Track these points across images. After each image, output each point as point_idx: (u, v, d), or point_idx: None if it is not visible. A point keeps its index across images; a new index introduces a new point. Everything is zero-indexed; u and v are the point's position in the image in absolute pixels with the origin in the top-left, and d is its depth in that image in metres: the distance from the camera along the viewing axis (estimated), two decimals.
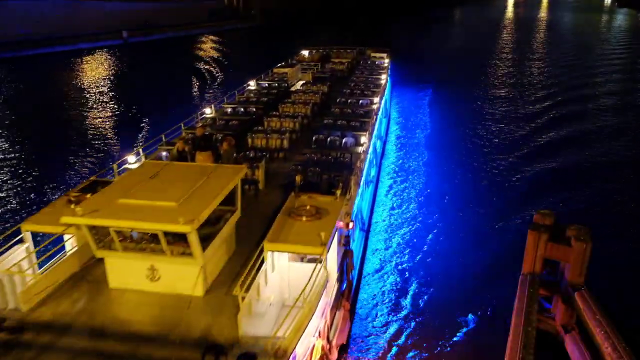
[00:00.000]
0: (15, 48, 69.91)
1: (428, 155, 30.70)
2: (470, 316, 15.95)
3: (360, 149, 18.68)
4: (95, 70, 62.16)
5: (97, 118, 40.18)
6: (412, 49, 73.63)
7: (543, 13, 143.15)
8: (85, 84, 53.61)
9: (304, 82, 32.41)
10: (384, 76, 32.89)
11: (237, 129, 21.34)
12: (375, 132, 22.30)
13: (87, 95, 48.34)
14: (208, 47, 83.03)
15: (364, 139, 19.36)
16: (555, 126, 35.66)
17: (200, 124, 22.29)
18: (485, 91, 47.33)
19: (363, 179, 17.13)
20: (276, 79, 32.52)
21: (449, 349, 14.66)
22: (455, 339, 15.05)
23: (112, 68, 64.22)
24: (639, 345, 11.61)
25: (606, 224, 21.42)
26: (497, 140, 33.12)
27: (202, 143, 16.13)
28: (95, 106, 44.00)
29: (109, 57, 72.56)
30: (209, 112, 24.43)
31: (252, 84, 30.89)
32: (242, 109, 24.83)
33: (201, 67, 63.69)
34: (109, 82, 54.54)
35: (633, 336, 11.97)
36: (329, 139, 19.83)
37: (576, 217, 21.26)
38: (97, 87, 52.06)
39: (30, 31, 74.20)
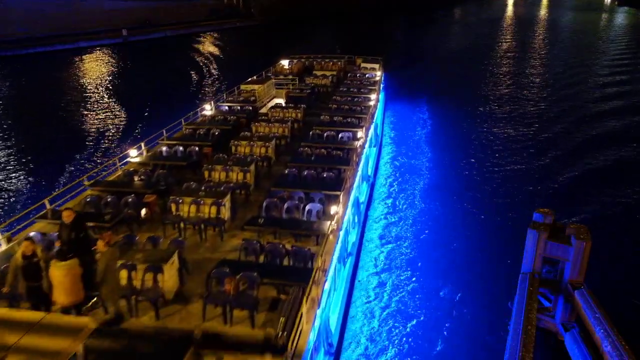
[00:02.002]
0: (15, 46, 69.97)
1: (427, 186, 25.99)
2: (470, 315, 15.96)
3: (328, 226, 12.56)
4: (94, 69, 62.09)
5: (93, 117, 40.05)
6: (411, 51, 73.48)
7: (543, 12, 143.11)
8: (83, 83, 53.53)
9: (275, 104, 26.40)
10: (373, 96, 27.07)
11: (163, 184, 15.51)
12: (358, 177, 17.36)
13: (85, 94, 48.24)
14: (207, 45, 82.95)
15: (335, 209, 13.48)
16: (555, 126, 35.66)
17: (118, 174, 16.51)
18: (486, 92, 47.21)
19: (332, 270, 11.94)
20: (241, 100, 26.87)
21: (449, 348, 14.67)
22: (455, 338, 15.06)
23: (111, 67, 64.14)
24: (639, 343, 11.63)
25: (606, 222, 21.43)
26: (497, 140, 33.07)
27: (68, 238, 9.67)
28: (92, 105, 43.90)
29: (108, 55, 72.48)
30: (134, 154, 18.14)
31: (208, 108, 25.04)
32: (180, 149, 18.78)
33: (200, 65, 63.61)
34: (107, 81, 54.46)
35: (633, 335, 11.99)
36: (286, 205, 13.97)
37: (575, 216, 21.40)
38: (95, 86, 51.99)
39: (30, 29, 74.26)
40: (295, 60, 37.23)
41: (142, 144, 18.92)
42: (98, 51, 75.04)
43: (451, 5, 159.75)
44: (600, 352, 11.79)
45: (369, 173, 22.41)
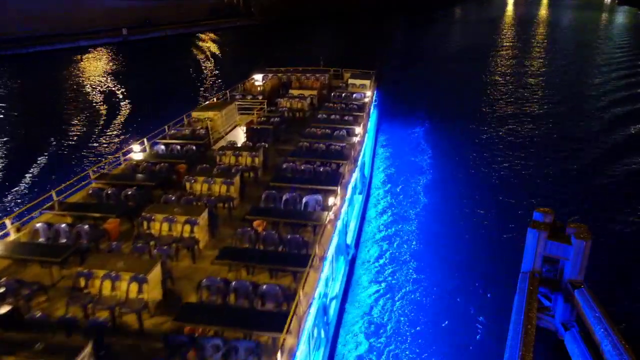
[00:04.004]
0: (15, 45, 70.00)
1: (426, 185, 25.07)
2: (470, 314, 15.96)
3: None
4: (94, 68, 62.05)
5: (92, 116, 40.09)
6: (411, 51, 73.22)
7: (543, 11, 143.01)
8: (82, 83, 53.50)
9: (227, 143, 20.17)
10: (359, 129, 21.18)
11: (13, 303, 10.02)
12: (322, 282, 11.56)
13: (84, 94, 48.28)
14: (207, 45, 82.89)
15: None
16: (556, 126, 35.67)
17: None
18: (487, 93, 47.17)
19: None
20: (186, 135, 20.67)
21: (448, 347, 14.68)
22: (455, 337, 15.06)
23: (110, 66, 64.08)
24: (639, 342, 11.62)
25: (606, 222, 21.43)
26: (498, 140, 33.06)
27: None
28: (91, 104, 43.93)
29: (108, 54, 72.48)
30: None
31: (137, 150, 18.71)
32: (64, 228, 12.66)
33: (200, 65, 63.57)
34: (105, 81, 54.41)
35: (633, 334, 11.98)
36: None
37: (575, 215, 21.37)
38: (95, 85, 51.97)
39: (30, 28, 74.28)
40: (270, 75, 31.13)
41: (7, 221, 12.74)
42: (98, 50, 75.08)
43: (451, 4, 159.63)
44: (600, 352, 11.78)
45: (349, 242, 16.38)
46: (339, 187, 15.05)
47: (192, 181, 15.58)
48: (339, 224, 14.05)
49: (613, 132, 33.63)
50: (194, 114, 22.66)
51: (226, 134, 22.39)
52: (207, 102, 24.88)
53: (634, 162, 28.41)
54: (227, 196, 15.16)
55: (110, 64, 65.48)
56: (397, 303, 16.57)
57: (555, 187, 25.24)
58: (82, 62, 66.41)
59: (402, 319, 15.85)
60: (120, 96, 46.29)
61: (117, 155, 18.29)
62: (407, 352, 14.44)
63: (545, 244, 13.84)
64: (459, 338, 14.97)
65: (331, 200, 14.36)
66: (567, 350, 13.66)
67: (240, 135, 22.62)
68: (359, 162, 18.92)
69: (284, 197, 14.74)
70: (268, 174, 17.42)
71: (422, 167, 28.20)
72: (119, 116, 39.56)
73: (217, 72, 59.22)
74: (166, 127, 21.52)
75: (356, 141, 19.86)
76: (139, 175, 16.69)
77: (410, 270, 18.35)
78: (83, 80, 54.31)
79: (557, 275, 14.58)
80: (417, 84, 49.54)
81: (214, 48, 79.36)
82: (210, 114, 22.09)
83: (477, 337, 14.97)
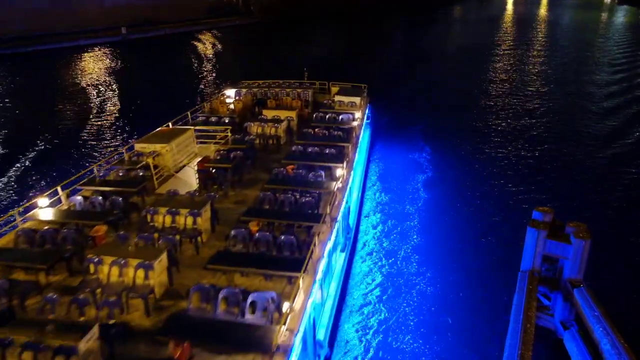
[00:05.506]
0: (14, 44, 69.97)
1: (424, 182, 25.37)
2: (469, 313, 15.94)
3: None
4: (93, 68, 61.99)
5: (90, 116, 40.00)
6: (411, 54, 73.07)
7: (543, 10, 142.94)
8: (81, 82, 53.45)
9: (167, 192, 14.88)
10: (340, 170, 16.82)
11: None
12: None
13: (83, 93, 48.22)
14: (207, 43, 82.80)
15: None
16: (556, 125, 35.65)
17: None
18: (487, 91, 47.16)
19: None
20: (121, 177, 16.00)
21: (448, 346, 14.66)
22: (454, 336, 15.04)
23: (109, 65, 63.99)
24: (638, 341, 11.62)
25: (605, 221, 21.42)
26: (496, 139, 33.03)
27: None
28: (89, 104, 43.87)
29: (107, 54, 72.42)
30: None
31: (44, 204, 13.69)
32: None
33: (199, 64, 63.55)
34: (105, 79, 54.39)
35: (632, 333, 11.98)
36: None
37: (575, 215, 21.35)
38: (94, 85, 51.93)
39: (29, 27, 74.31)
40: (244, 91, 26.79)
41: None
42: (97, 49, 75.04)
43: (451, 4, 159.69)
44: (599, 351, 11.78)
45: (320, 337, 12.54)
46: (302, 273, 10.61)
47: (97, 262, 10.44)
48: (302, 327, 9.87)
49: (613, 132, 33.62)
50: (137, 146, 17.65)
51: (177, 172, 17.39)
52: (158, 129, 19.46)
53: (634, 161, 28.40)
54: (145, 286, 10.14)
55: (110, 63, 65.37)
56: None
57: (555, 187, 25.23)
58: (80, 62, 66.34)
59: (393, 327, 15.81)
60: (114, 100, 45.64)
61: (11, 214, 12.44)
62: (404, 351, 14.43)
63: (544, 243, 13.83)
64: (459, 338, 14.95)
65: (286, 306, 9.71)
66: (566, 349, 13.65)
67: (193, 176, 17.39)
68: (340, 215, 14.76)
69: (221, 295, 9.97)
70: (216, 239, 12.94)
71: (421, 186, 26.39)
72: (106, 126, 37.26)
73: (216, 71, 59.16)
74: (94, 167, 16.20)
75: (336, 189, 15.45)
76: (35, 250, 11.32)
77: (404, 273, 18.32)
78: (78, 81, 54.23)
79: (556, 274, 14.58)
80: (416, 87, 49.21)
81: (213, 47, 79.30)
82: (157, 146, 17.01)
83: (477, 336, 14.95)
